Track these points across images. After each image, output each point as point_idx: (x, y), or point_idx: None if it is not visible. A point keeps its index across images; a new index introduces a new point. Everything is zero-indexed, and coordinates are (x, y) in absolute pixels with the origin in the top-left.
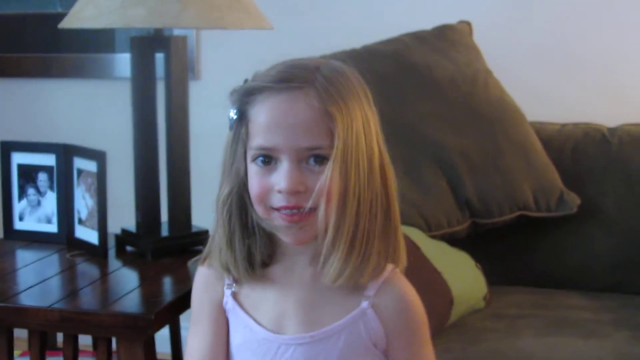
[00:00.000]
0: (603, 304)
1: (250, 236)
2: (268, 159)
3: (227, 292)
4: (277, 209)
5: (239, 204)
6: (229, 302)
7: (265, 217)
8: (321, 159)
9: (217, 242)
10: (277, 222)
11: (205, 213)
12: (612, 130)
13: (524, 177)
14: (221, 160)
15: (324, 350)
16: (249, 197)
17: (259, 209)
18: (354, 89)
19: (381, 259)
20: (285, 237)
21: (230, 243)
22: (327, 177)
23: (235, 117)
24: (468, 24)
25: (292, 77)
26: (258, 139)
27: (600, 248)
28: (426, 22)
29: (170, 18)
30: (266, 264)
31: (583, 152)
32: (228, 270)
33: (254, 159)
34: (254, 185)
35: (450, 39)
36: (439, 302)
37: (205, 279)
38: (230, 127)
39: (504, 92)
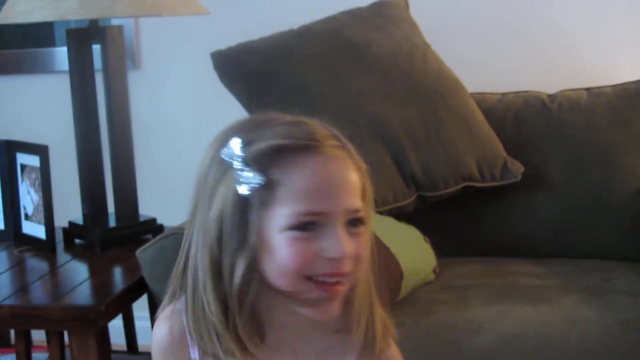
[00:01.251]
0: (551, 269)
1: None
2: (311, 227)
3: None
4: (318, 279)
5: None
6: None
7: (295, 290)
8: (358, 222)
9: (211, 324)
10: (311, 295)
11: (151, 202)
12: (551, 97)
13: (467, 148)
14: (215, 233)
15: None
16: (263, 271)
17: (288, 283)
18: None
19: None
20: (311, 312)
21: (229, 324)
22: (364, 240)
23: (261, 181)
24: None
25: (324, 136)
26: (303, 204)
27: (546, 214)
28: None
29: (102, 8)
30: None
31: (524, 120)
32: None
33: (294, 227)
34: (294, 254)
35: (387, 14)
36: (389, 276)
37: (167, 345)
38: (248, 191)
39: (442, 64)
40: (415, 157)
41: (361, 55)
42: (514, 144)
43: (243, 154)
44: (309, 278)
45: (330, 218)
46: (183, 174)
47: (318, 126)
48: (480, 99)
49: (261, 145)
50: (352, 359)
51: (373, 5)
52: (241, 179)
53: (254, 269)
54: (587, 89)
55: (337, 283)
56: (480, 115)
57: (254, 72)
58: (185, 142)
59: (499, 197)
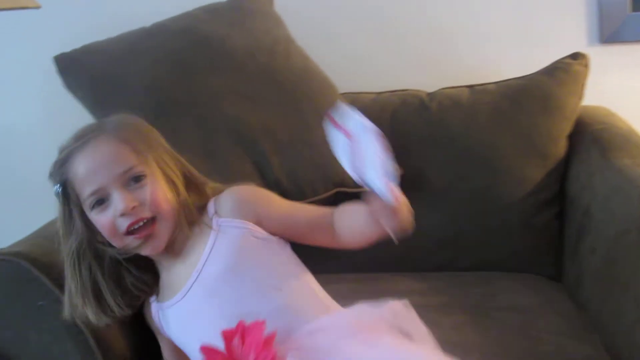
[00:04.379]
0: (432, 285)
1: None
2: (101, 200)
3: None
4: (128, 232)
5: (96, 253)
6: (158, 311)
7: (124, 245)
8: (138, 178)
9: (74, 298)
10: (134, 243)
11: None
12: (431, 95)
13: None
14: (58, 237)
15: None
16: (103, 243)
17: (115, 242)
18: (137, 120)
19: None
20: (147, 252)
21: (96, 292)
22: (149, 186)
23: (59, 189)
24: None
25: (86, 133)
26: (85, 189)
27: (426, 223)
28: None
29: None
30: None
31: (402, 120)
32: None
33: (92, 207)
34: (102, 223)
35: (246, 8)
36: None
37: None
38: (60, 201)
39: (308, 60)
40: (278, 162)
41: (215, 51)
42: (391, 146)
43: (50, 176)
44: (127, 233)
45: (108, 188)
46: (17, 194)
47: (88, 127)
48: (353, 99)
49: (56, 161)
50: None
51: (232, 0)
52: (55, 195)
53: (90, 247)
54: (469, 87)
55: (148, 225)
56: None
57: (100, 75)
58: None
59: None
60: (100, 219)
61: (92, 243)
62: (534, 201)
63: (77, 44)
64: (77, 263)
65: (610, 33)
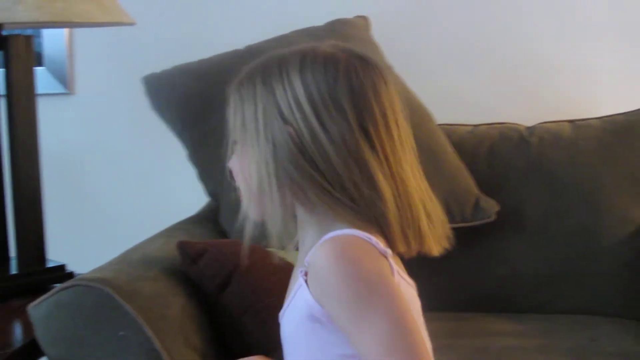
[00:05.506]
0: (528, 327)
1: None
2: None
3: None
4: None
5: None
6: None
7: None
8: (234, 142)
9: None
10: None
11: (62, 245)
12: (530, 130)
13: (434, 184)
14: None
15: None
16: None
17: None
18: (259, 69)
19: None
20: None
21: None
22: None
23: None
24: (364, 18)
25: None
26: None
27: (523, 262)
28: (320, 19)
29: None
30: None
31: (499, 155)
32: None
33: None
34: None
35: (343, 33)
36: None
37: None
38: None
39: (406, 89)
40: None
41: None
42: (488, 180)
43: None
44: None
45: None
46: (102, 214)
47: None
48: (450, 130)
49: None
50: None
51: (329, 24)
52: None
53: None
54: (570, 121)
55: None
56: (449, 148)
57: (190, 97)
58: (114, 178)
59: (469, 241)
60: None
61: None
62: (637, 243)
63: (168, 64)
64: None
65: None
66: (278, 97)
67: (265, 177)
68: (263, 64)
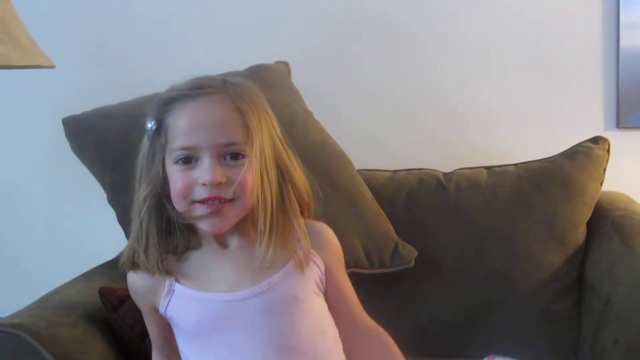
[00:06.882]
0: None
1: (166, 236)
2: (189, 159)
3: (167, 284)
4: (201, 202)
5: (157, 207)
6: (175, 290)
7: (187, 211)
8: (237, 155)
9: (139, 244)
10: (198, 212)
11: None
12: (448, 176)
13: (353, 230)
14: (137, 171)
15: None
16: (167, 199)
17: (180, 205)
18: (258, 94)
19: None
20: (204, 226)
21: (150, 240)
22: (244, 169)
23: (153, 127)
24: (286, 64)
25: (206, 85)
26: (179, 141)
27: (440, 307)
28: (240, 63)
29: None
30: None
31: (418, 200)
32: (157, 265)
33: (177, 161)
34: (178, 182)
35: (265, 79)
36: None
37: (136, 285)
38: (149, 137)
39: (326, 135)
40: None
41: None
42: (407, 226)
43: (148, 107)
44: (196, 202)
45: (202, 151)
46: (18, 259)
47: (209, 78)
48: (369, 176)
49: (162, 96)
50: (279, 273)
51: (249, 70)
52: (146, 130)
53: (157, 198)
54: (487, 168)
55: (221, 204)
56: (368, 193)
57: (111, 140)
58: (31, 222)
59: (388, 287)
60: (179, 177)
61: (161, 196)
62: (552, 288)
63: (88, 106)
64: (142, 211)
65: (627, 118)
66: None
67: None
68: None
